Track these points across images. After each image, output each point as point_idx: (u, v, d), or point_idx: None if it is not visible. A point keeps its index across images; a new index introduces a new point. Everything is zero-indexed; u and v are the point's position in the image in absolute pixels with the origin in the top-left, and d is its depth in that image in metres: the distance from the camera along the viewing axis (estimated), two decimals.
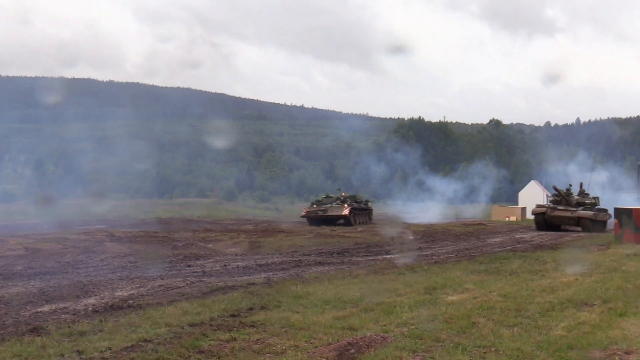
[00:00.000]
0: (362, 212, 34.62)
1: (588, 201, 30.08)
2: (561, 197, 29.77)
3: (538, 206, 30.75)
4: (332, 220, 32.17)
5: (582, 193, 30.83)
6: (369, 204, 36.10)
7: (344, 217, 32.32)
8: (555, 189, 30.66)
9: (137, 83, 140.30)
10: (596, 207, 30.31)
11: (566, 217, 28.98)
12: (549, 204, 30.36)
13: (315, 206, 33.84)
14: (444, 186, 50.33)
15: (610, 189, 45.79)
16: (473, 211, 48.97)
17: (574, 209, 29.01)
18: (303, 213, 33.94)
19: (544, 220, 29.30)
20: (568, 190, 30.56)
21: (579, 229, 28.83)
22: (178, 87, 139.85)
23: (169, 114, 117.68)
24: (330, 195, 35.26)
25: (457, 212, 46.68)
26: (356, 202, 34.38)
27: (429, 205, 44.45)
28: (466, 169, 56.75)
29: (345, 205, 32.84)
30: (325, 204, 33.59)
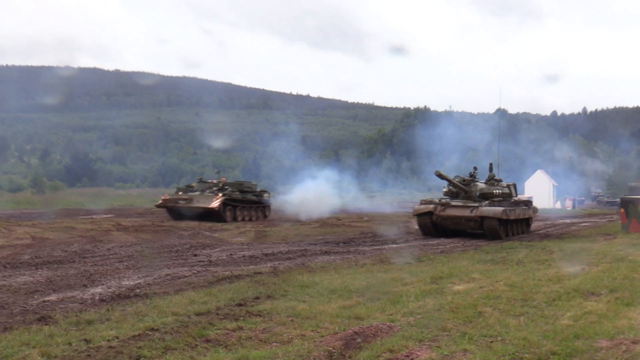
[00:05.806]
0: (249, 205, 26.96)
1: (498, 191, 20.70)
2: (458, 188, 20.40)
3: (423, 202, 20.39)
4: (199, 215, 24.66)
5: (491, 179, 21.38)
6: (265, 195, 28.26)
7: (212, 210, 24.69)
8: (440, 175, 20.28)
9: (143, 72, 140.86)
10: (512, 198, 21.43)
11: (464, 217, 19.33)
12: (441, 198, 20.76)
13: (181, 193, 26.21)
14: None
15: (616, 178, 45.70)
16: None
17: (476, 204, 19.41)
18: (160, 202, 26.46)
19: (432, 223, 19.78)
20: (472, 175, 21.00)
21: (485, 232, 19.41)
22: (184, 76, 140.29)
23: (174, 103, 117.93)
24: (206, 180, 27.58)
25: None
26: (241, 191, 26.78)
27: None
28: (473, 157, 56.55)
29: (219, 194, 25.24)
30: (195, 192, 26.21)
